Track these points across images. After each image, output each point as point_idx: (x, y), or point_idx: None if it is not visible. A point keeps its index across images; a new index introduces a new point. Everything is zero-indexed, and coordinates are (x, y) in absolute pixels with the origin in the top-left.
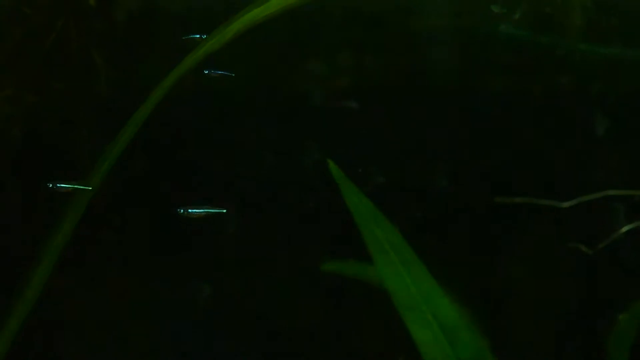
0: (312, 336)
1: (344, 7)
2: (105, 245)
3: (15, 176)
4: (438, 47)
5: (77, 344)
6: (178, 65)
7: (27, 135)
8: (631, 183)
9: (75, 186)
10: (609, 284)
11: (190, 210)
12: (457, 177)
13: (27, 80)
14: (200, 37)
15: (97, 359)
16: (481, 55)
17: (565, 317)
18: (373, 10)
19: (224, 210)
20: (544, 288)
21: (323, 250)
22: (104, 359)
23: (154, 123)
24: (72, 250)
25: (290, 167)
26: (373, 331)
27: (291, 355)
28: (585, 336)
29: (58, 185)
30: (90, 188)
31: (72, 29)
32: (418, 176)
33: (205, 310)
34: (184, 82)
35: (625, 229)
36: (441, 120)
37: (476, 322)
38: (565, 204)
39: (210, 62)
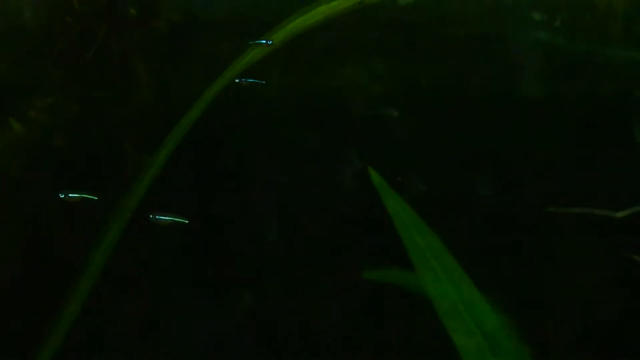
0: (354, 344)
1: (384, 15)
2: (147, 256)
3: (57, 186)
4: (478, 54)
5: (119, 357)
6: (222, 74)
7: (69, 145)
8: None
9: (84, 195)
10: None
11: (158, 217)
12: (497, 184)
13: (68, 89)
14: (267, 42)
15: None
16: (522, 62)
17: (609, 327)
18: (412, 18)
19: (186, 221)
20: (589, 297)
21: (365, 258)
22: None
23: (197, 132)
24: (115, 261)
25: (332, 175)
26: (415, 339)
27: None
28: (630, 347)
29: (69, 195)
30: (96, 198)
31: (113, 38)
32: (459, 183)
33: (247, 319)
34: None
35: None
36: (482, 126)
37: (518, 329)
38: (620, 214)
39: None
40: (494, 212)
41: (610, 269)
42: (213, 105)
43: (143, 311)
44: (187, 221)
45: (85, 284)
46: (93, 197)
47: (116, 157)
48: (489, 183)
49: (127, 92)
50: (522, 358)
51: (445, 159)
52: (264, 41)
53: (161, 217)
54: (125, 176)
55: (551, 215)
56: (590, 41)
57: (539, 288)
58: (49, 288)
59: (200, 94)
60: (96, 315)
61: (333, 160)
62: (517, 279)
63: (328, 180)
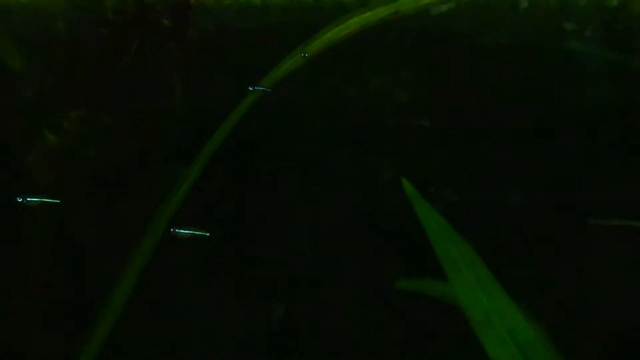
0: (387, 354)
1: (416, 25)
2: (182, 265)
3: (91, 197)
4: (511, 64)
5: None
6: (258, 84)
7: (102, 155)
8: None
9: (44, 199)
10: None
11: (178, 230)
12: (529, 193)
13: (102, 100)
14: (304, 55)
15: None
16: (554, 71)
17: None
18: (446, 29)
19: (207, 234)
20: (625, 308)
21: (397, 268)
22: None
23: (230, 142)
24: (151, 270)
25: (364, 185)
26: (449, 349)
27: None
28: None
29: (27, 199)
30: (59, 201)
31: (146, 49)
32: (492, 193)
33: (279, 329)
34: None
35: None
36: (514, 136)
37: (552, 339)
38: None
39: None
40: (526, 221)
41: None
42: (247, 115)
43: (175, 322)
44: (208, 234)
45: (120, 294)
46: (55, 201)
47: (149, 167)
48: (521, 192)
49: (160, 103)
50: None
51: (477, 168)
52: (305, 54)
53: (181, 231)
54: (158, 187)
55: (584, 224)
56: (623, 50)
57: (573, 298)
58: (81, 300)
59: (233, 104)
60: (130, 324)
61: (366, 170)
62: (551, 288)
63: (360, 190)
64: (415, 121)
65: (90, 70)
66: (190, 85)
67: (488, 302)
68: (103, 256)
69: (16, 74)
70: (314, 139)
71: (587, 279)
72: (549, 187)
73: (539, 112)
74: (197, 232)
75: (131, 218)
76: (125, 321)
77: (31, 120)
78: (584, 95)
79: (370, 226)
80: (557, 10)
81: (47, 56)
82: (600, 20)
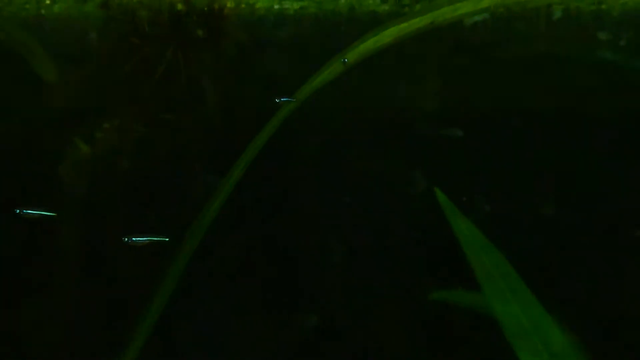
0: None
1: (450, 35)
2: (212, 278)
3: (125, 208)
4: (544, 73)
5: None
6: (294, 95)
7: (135, 166)
8: None
9: (42, 213)
10: None
11: (134, 239)
12: (563, 203)
13: (135, 111)
14: (344, 60)
15: None
16: (587, 81)
17: None
18: (480, 39)
19: (167, 239)
20: None
21: (430, 279)
22: None
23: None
24: (185, 281)
25: (397, 195)
26: None
27: None
28: None
29: (24, 211)
30: (55, 214)
31: (180, 59)
32: (525, 203)
33: (311, 341)
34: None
35: None
36: (547, 146)
37: (587, 351)
38: None
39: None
40: (560, 231)
41: None
42: (282, 125)
43: (206, 333)
44: (167, 239)
45: (154, 307)
46: (51, 214)
47: (183, 179)
48: (555, 202)
49: (194, 114)
50: None
51: (510, 178)
52: (345, 60)
53: (138, 239)
54: (192, 198)
55: (619, 234)
56: None
57: (608, 308)
58: (113, 313)
59: (268, 115)
60: (166, 336)
61: (398, 180)
62: (585, 299)
63: (393, 200)
64: (447, 131)
65: (124, 81)
66: (225, 96)
67: (522, 312)
68: (136, 268)
69: (49, 86)
70: (347, 149)
71: (624, 291)
72: (583, 197)
73: (573, 122)
74: (155, 239)
75: (165, 230)
76: (158, 333)
77: (64, 131)
78: (618, 105)
79: (403, 236)
80: (590, 20)
81: (80, 67)
82: (634, 29)
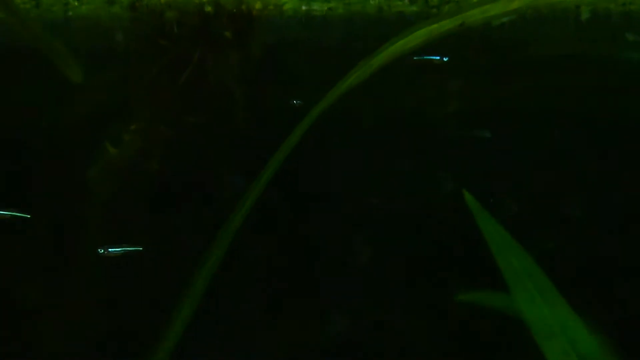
0: None
1: (477, 36)
2: (241, 281)
3: (153, 211)
4: (574, 74)
5: None
6: (324, 98)
7: (163, 168)
8: None
9: (15, 214)
10: None
11: (110, 249)
12: (589, 205)
13: (163, 113)
14: (441, 59)
15: None
16: (615, 82)
17: None
18: (508, 40)
19: (140, 248)
20: None
21: (458, 280)
22: None
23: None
24: (218, 280)
25: (425, 197)
26: None
27: None
28: None
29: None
30: (29, 216)
31: (208, 61)
32: (552, 204)
33: (339, 343)
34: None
35: None
36: (574, 147)
37: (615, 352)
38: None
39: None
40: (588, 233)
41: None
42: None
43: (235, 336)
44: (140, 248)
45: (185, 310)
46: (25, 215)
47: (211, 181)
48: (583, 204)
49: (221, 116)
50: None
51: (538, 179)
52: (435, 57)
53: (112, 249)
54: (220, 201)
55: None
56: None
57: (637, 309)
58: (144, 316)
59: (296, 118)
60: (193, 344)
61: (426, 182)
62: (614, 300)
63: (421, 201)
64: (476, 132)
65: (151, 82)
66: (253, 98)
67: (550, 314)
68: (165, 271)
69: (76, 87)
70: (375, 151)
71: None
72: (613, 197)
73: (602, 122)
74: (130, 249)
75: (193, 233)
76: (189, 335)
77: (92, 134)
78: None
79: (430, 238)
80: (619, 21)
81: (107, 69)
82: None
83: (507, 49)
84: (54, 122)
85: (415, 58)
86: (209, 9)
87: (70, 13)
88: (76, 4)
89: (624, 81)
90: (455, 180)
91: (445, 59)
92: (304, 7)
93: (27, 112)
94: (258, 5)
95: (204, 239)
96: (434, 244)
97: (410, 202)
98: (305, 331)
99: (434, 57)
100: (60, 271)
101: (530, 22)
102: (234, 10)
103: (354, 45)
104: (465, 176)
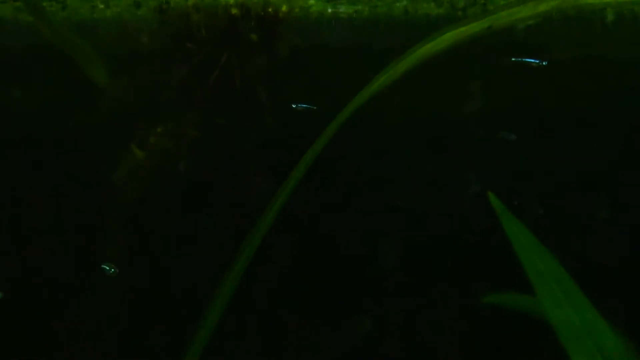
0: None
1: (503, 38)
2: (267, 285)
3: (179, 213)
4: (599, 76)
5: None
6: (353, 100)
7: (190, 171)
8: None
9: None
10: None
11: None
12: (615, 207)
13: (190, 115)
14: (540, 62)
15: None
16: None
17: None
18: (533, 42)
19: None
20: None
21: (483, 282)
22: None
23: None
24: (242, 288)
25: (450, 199)
26: None
27: None
28: None
29: None
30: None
31: (235, 64)
32: (578, 206)
33: (364, 345)
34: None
35: None
36: (600, 149)
37: None
38: None
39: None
40: (615, 235)
41: None
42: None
43: (260, 339)
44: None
45: (213, 313)
46: None
47: (239, 183)
48: (609, 205)
49: (248, 118)
50: None
51: (564, 181)
52: (533, 60)
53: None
54: (248, 203)
55: None
56: None
57: None
58: (171, 319)
59: (322, 120)
60: (219, 341)
61: (451, 184)
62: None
63: (446, 203)
64: (501, 134)
65: (177, 85)
66: (280, 101)
67: (576, 316)
68: (192, 274)
69: (102, 90)
70: (399, 153)
71: None
72: (636, 198)
73: (628, 124)
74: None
75: (221, 235)
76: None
77: (118, 136)
78: None
79: (456, 240)
80: None
81: (133, 71)
82: None
83: (532, 51)
84: (80, 124)
85: (513, 59)
86: (235, 11)
87: (96, 15)
88: (102, 6)
89: None
90: (480, 182)
91: (544, 63)
92: (330, 10)
93: (53, 114)
94: (284, 8)
95: (232, 241)
96: (460, 246)
97: (435, 204)
98: (332, 332)
99: (532, 60)
100: (84, 274)
101: (556, 24)
102: (261, 12)
103: (380, 47)
104: (490, 178)
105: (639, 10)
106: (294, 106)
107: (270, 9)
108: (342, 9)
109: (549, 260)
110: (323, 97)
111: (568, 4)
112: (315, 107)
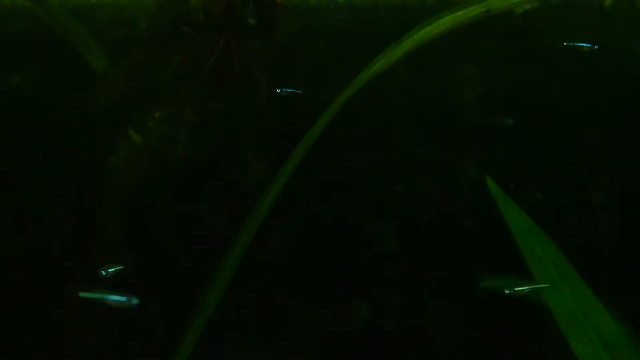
0: (472, 354)
1: (500, 23)
2: (266, 269)
3: (178, 198)
4: (596, 61)
5: None
6: (350, 85)
7: (188, 155)
8: None
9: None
10: None
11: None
12: (614, 191)
13: (188, 99)
14: (592, 46)
15: None
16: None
17: None
18: (530, 27)
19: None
20: None
21: (482, 267)
22: None
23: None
24: (242, 272)
25: (448, 184)
26: (535, 347)
27: None
28: None
29: None
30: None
31: (233, 48)
32: (575, 190)
33: (364, 329)
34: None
35: None
36: (598, 134)
37: (638, 338)
38: None
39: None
40: (611, 219)
41: None
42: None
43: (260, 324)
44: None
45: (212, 297)
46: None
47: (236, 167)
48: (606, 190)
49: (246, 103)
50: None
51: (562, 166)
52: (586, 44)
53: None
54: (245, 187)
55: None
56: None
57: None
58: (168, 303)
59: (319, 104)
60: (218, 324)
61: (449, 169)
62: (636, 286)
63: (445, 188)
64: (498, 119)
65: (175, 69)
66: (277, 85)
67: (574, 300)
68: (190, 258)
69: (100, 75)
70: (398, 138)
71: None
72: (635, 184)
73: (625, 109)
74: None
75: (218, 219)
76: (215, 322)
77: (116, 121)
78: None
79: (454, 224)
80: None
81: (131, 56)
82: None
83: (529, 36)
84: (78, 109)
85: (565, 44)
86: None
87: (94, 1)
88: None
89: None
90: (478, 167)
91: (595, 47)
92: None
93: (51, 99)
94: None
95: (230, 226)
96: (458, 231)
97: (433, 189)
98: (329, 318)
99: (584, 44)
100: (84, 256)
101: (553, 10)
102: None
103: (378, 32)
104: (488, 163)
105: None
106: (278, 91)
107: None
108: None
109: (546, 245)
110: (321, 81)
111: None
112: (300, 92)
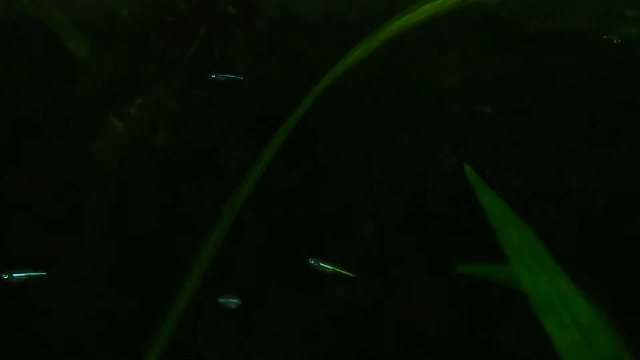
0: (450, 338)
1: (476, 12)
2: (246, 255)
3: (161, 185)
4: (573, 49)
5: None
6: (328, 74)
7: (170, 143)
8: None
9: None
10: None
11: (13, 275)
12: (590, 178)
13: (169, 87)
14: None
15: None
16: (612, 58)
17: None
18: (510, 14)
19: (44, 273)
20: None
21: (459, 253)
22: None
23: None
24: (222, 260)
25: (426, 171)
26: (511, 332)
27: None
28: None
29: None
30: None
31: (214, 36)
32: (552, 178)
33: (340, 313)
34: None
35: None
36: (574, 121)
37: (614, 324)
38: None
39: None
40: (588, 205)
41: None
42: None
43: (241, 309)
44: (45, 273)
45: (190, 284)
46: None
47: (217, 155)
48: (583, 177)
49: (227, 91)
50: (618, 351)
51: (539, 153)
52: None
53: (17, 275)
54: (227, 174)
55: None
56: None
57: (636, 282)
58: (149, 291)
59: (300, 92)
60: (198, 311)
61: (427, 156)
62: (613, 272)
63: (422, 175)
64: (477, 107)
65: (157, 57)
66: (259, 73)
67: (550, 286)
68: (171, 245)
69: (82, 62)
70: (376, 126)
71: None
72: (612, 171)
73: (600, 98)
74: (33, 274)
75: (200, 206)
76: (193, 310)
77: (98, 108)
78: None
79: (432, 211)
80: None
81: (113, 44)
82: None
83: (507, 25)
84: (59, 97)
85: (605, 37)
86: None
87: None
88: None
89: (620, 56)
90: (456, 155)
91: (619, 40)
92: None
93: (32, 87)
94: None
95: (211, 213)
96: (436, 217)
97: (411, 176)
98: (308, 303)
99: (613, 37)
100: (67, 247)
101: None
102: None
103: (357, 20)
104: (466, 151)
105: None
106: (213, 76)
107: None
108: None
109: (523, 231)
110: (300, 69)
111: None
112: (241, 78)
